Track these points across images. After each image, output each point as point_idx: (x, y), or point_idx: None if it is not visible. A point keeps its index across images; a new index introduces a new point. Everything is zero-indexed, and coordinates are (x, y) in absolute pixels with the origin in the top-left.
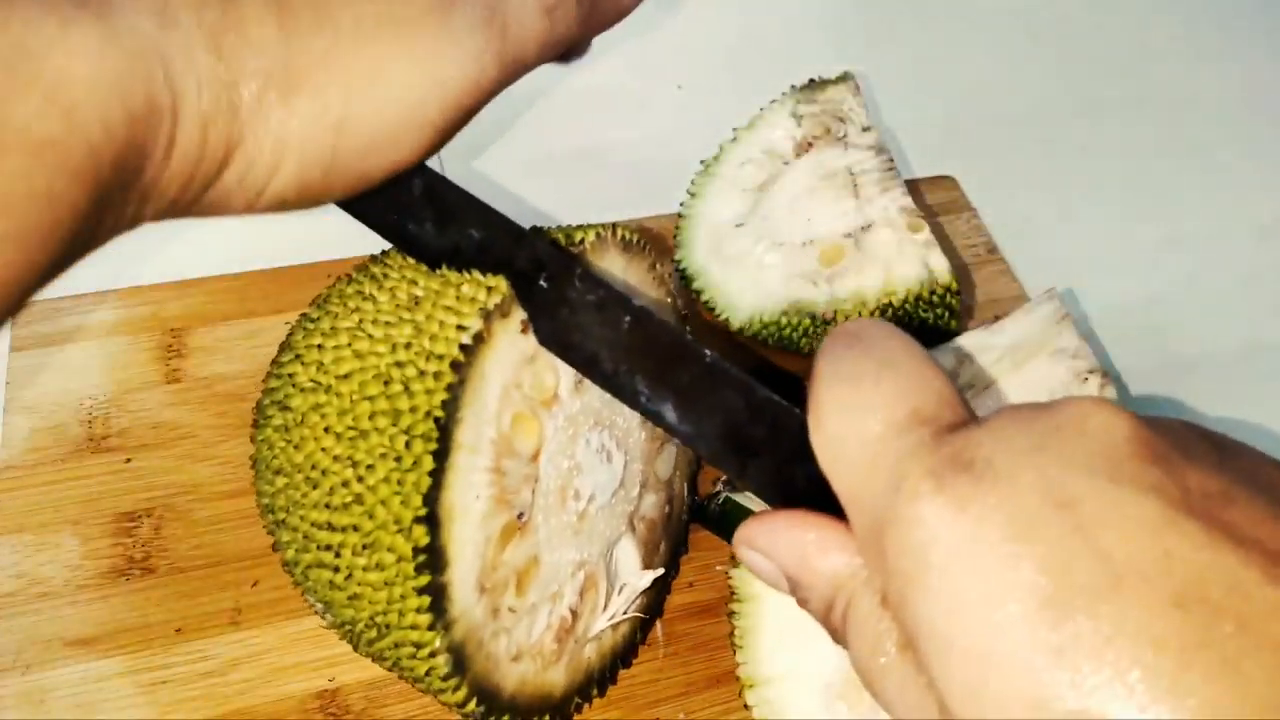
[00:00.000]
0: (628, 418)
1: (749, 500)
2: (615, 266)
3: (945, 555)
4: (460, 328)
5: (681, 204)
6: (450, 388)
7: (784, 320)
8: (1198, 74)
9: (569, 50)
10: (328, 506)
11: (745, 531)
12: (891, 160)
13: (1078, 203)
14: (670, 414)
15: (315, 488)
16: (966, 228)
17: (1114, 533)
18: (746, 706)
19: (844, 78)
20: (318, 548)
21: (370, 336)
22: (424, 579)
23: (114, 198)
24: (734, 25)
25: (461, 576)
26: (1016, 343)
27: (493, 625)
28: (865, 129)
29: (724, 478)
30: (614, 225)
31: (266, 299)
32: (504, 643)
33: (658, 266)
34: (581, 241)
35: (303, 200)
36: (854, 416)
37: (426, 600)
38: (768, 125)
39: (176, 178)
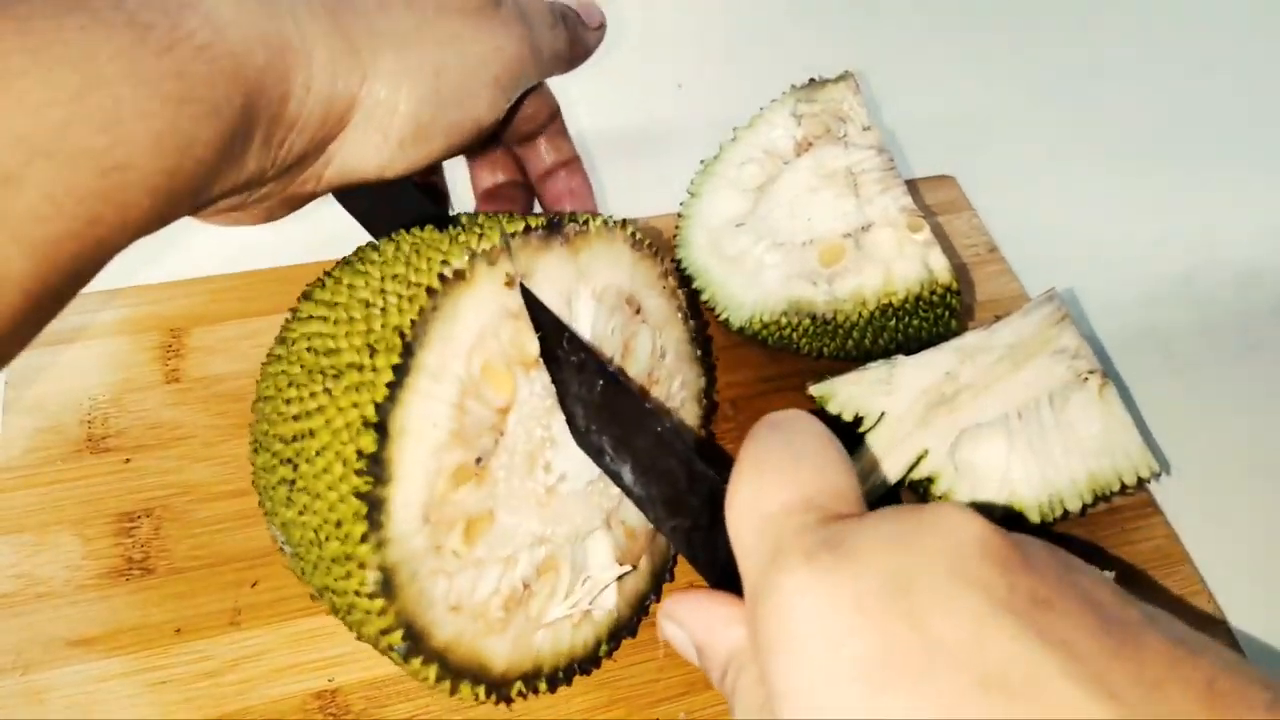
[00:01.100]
0: None
1: None
2: (621, 260)
3: (798, 620)
4: (444, 263)
5: (681, 203)
6: (421, 311)
7: (784, 320)
8: (1198, 75)
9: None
10: (294, 418)
11: (667, 605)
12: (891, 160)
13: (1078, 202)
14: (628, 476)
15: (288, 403)
16: (967, 227)
17: (940, 619)
18: None
19: (844, 77)
20: (280, 463)
21: (367, 274)
22: (364, 485)
23: (262, 117)
24: (734, 24)
25: (405, 497)
26: (1016, 343)
27: (433, 562)
28: (865, 128)
29: None
30: (624, 220)
31: (267, 299)
32: (443, 586)
33: (669, 277)
34: (586, 223)
35: (418, 145)
36: (758, 497)
37: (364, 509)
38: (768, 125)
39: (316, 111)
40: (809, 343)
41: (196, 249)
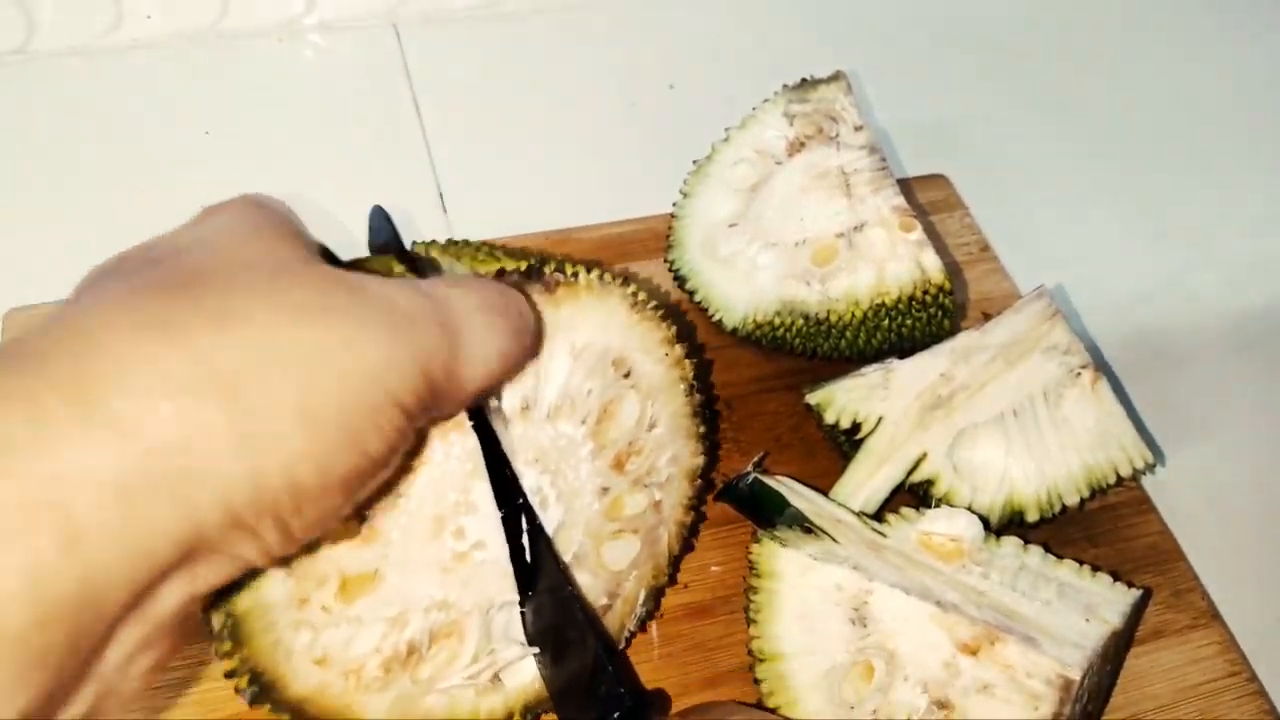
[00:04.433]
0: (581, 478)
1: (779, 483)
2: (614, 319)
3: None
4: None
5: (674, 204)
6: None
7: (777, 320)
8: (1188, 72)
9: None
10: None
11: None
12: (884, 159)
13: (1069, 201)
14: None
15: None
16: (959, 226)
17: None
18: (756, 681)
19: (836, 77)
20: None
21: None
22: None
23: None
24: (726, 25)
25: None
26: (1009, 341)
27: (295, 614)
28: (857, 128)
29: (755, 459)
30: (625, 278)
31: None
32: (306, 638)
33: (673, 345)
34: (576, 275)
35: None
36: None
37: None
38: (760, 125)
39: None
40: (802, 343)
41: None
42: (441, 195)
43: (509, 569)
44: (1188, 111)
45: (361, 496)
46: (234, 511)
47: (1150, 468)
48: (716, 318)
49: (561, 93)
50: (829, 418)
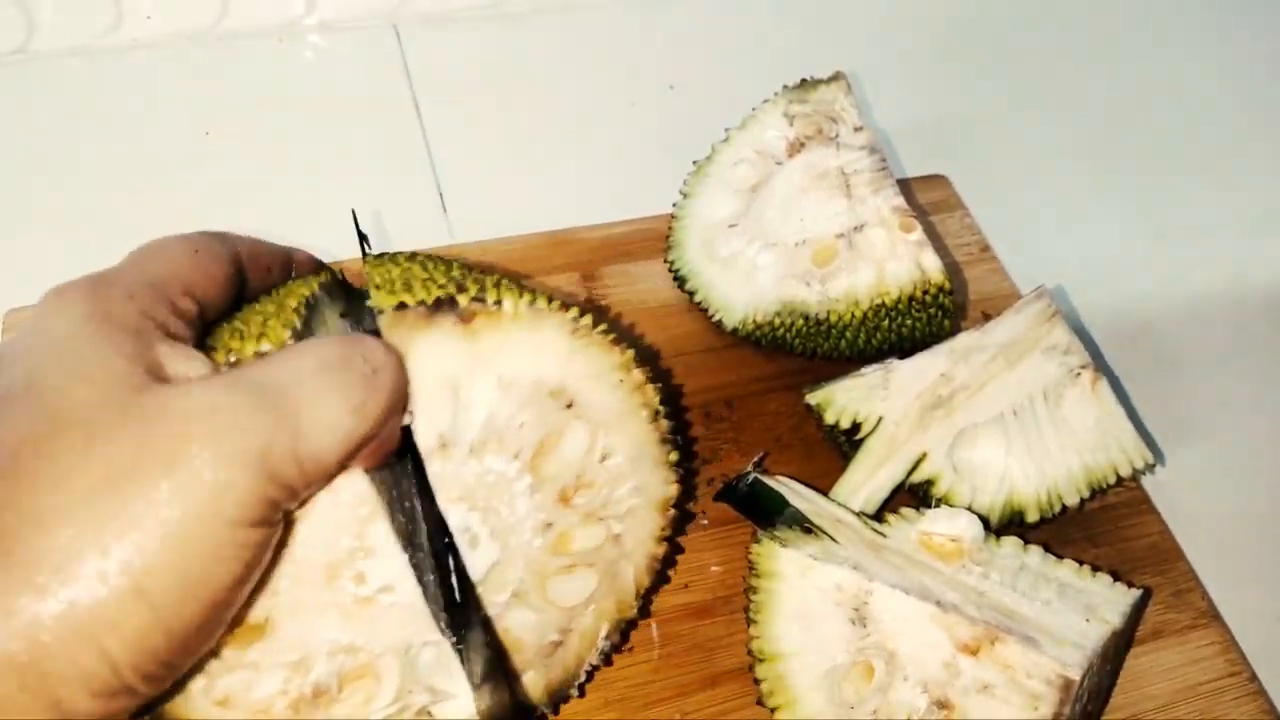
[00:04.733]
0: (518, 514)
1: (779, 483)
2: (550, 348)
3: None
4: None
5: (674, 204)
6: None
7: (777, 321)
8: (1188, 71)
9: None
10: None
11: None
12: (884, 160)
13: (1069, 201)
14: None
15: None
16: (959, 227)
17: None
18: (756, 681)
19: (836, 77)
20: None
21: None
22: None
23: None
24: (726, 25)
25: None
26: (1008, 341)
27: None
28: (857, 129)
29: (755, 459)
30: (565, 303)
31: None
32: (201, 684)
33: (631, 370)
34: (500, 302)
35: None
36: None
37: None
38: (760, 125)
39: None
40: (802, 343)
41: None
42: (441, 195)
43: (423, 609)
44: (1188, 111)
45: (238, 607)
46: (97, 691)
47: (1150, 468)
48: (716, 318)
49: (561, 93)
50: (829, 418)
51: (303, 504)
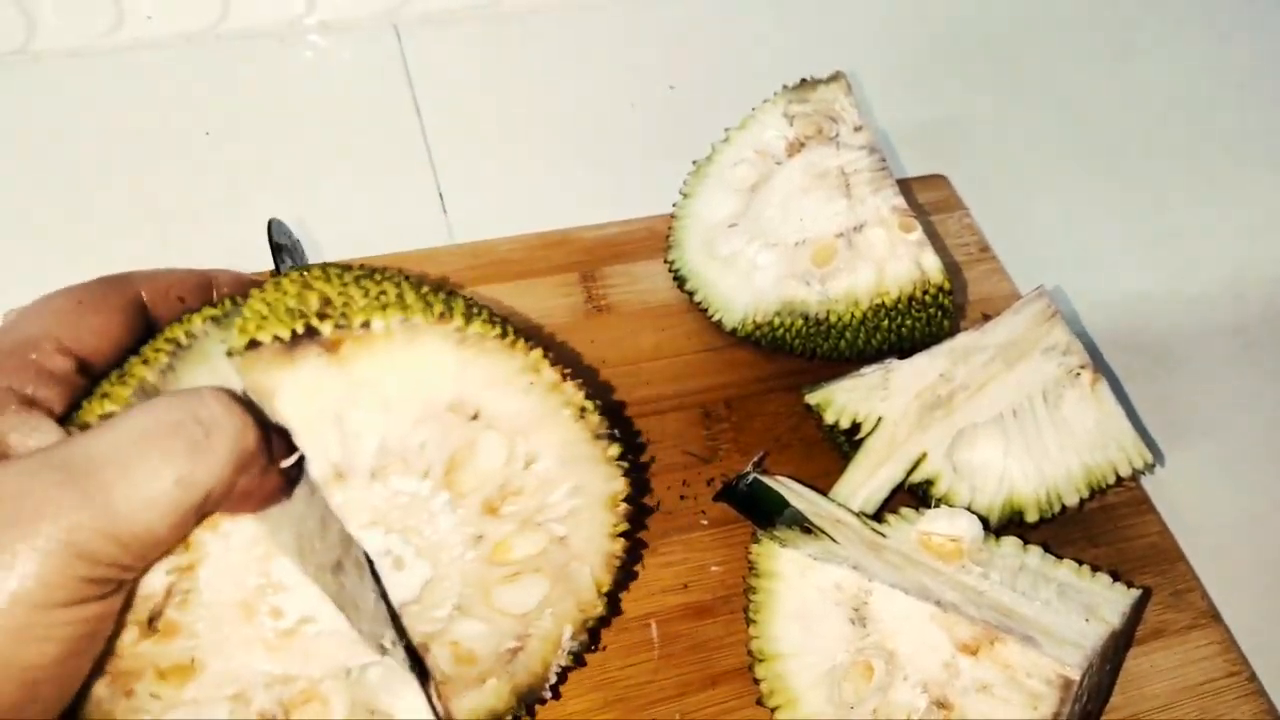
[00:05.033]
0: (442, 531)
1: (778, 483)
2: (436, 362)
3: None
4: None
5: (674, 204)
6: None
7: (777, 320)
8: (1187, 73)
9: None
10: None
11: None
12: (883, 160)
13: (1068, 201)
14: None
15: None
16: (958, 227)
17: None
18: (756, 681)
19: (835, 77)
20: None
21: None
22: None
23: None
24: (726, 25)
25: None
26: (1007, 342)
27: (124, 703)
28: (857, 128)
29: (755, 459)
30: (444, 309)
31: None
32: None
33: (541, 370)
34: (367, 324)
35: None
36: None
37: None
38: (760, 125)
39: None
40: (802, 343)
41: (185, 253)
42: (441, 196)
43: (350, 633)
44: (1187, 111)
45: (80, 677)
46: None
47: (1149, 467)
48: (716, 318)
49: (561, 93)
50: (828, 418)
51: (143, 572)
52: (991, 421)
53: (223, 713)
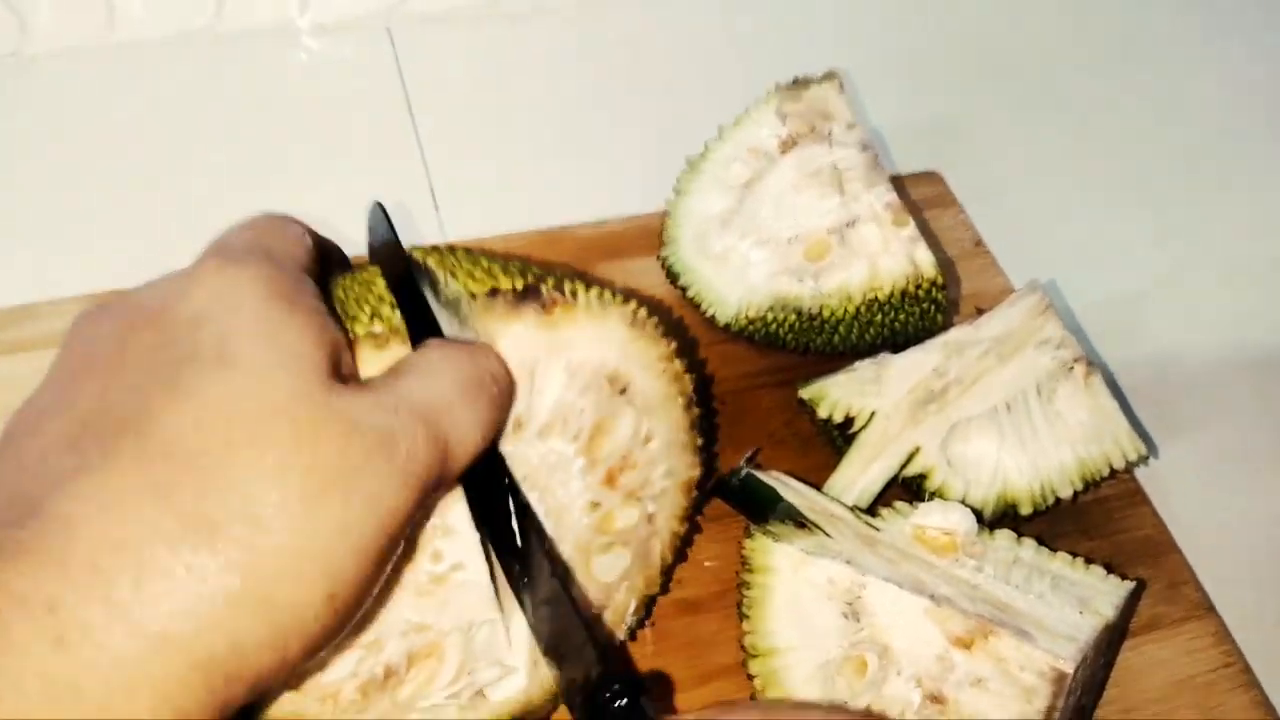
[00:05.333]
0: (571, 494)
1: (772, 478)
2: (612, 338)
3: None
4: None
5: (667, 201)
6: None
7: (770, 316)
8: (1182, 71)
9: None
10: None
11: None
12: (876, 157)
13: (1063, 198)
14: (527, 603)
15: None
16: (953, 223)
17: None
18: (750, 677)
19: (829, 75)
20: None
21: None
22: None
23: None
24: (719, 23)
25: None
26: (1001, 335)
27: None
28: (850, 126)
29: (748, 454)
30: (624, 294)
31: None
32: None
33: (673, 360)
34: (575, 294)
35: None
36: None
37: None
38: (753, 123)
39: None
40: (795, 338)
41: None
42: (434, 194)
43: (489, 588)
44: (1183, 109)
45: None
46: (263, 680)
47: (1144, 459)
48: (709, 313)
49: (554, 92)
50: (822, 412)
51: None
52: (985, 415)
53: (350, 663)
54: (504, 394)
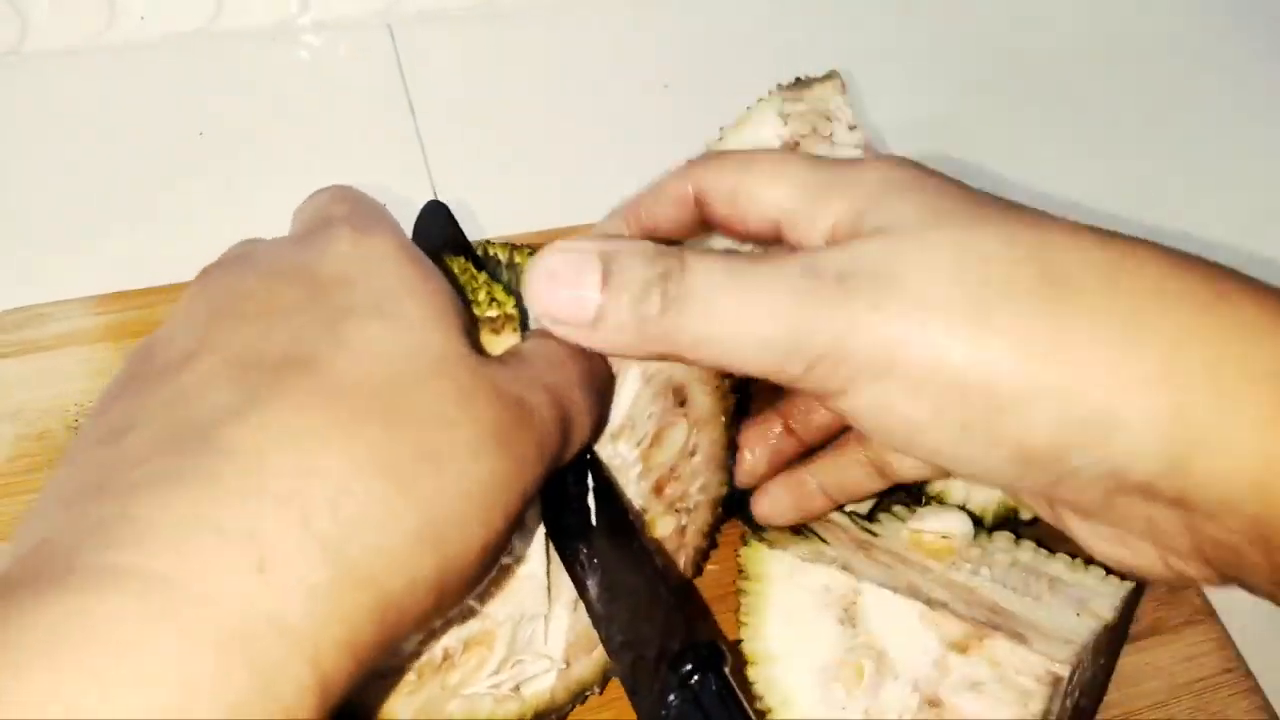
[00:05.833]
0: (627, 499)
1: None
2: None
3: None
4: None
5: None
6: None
7: None
8: (1183, 72)
9: None
10: None
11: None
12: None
13: (1063, 199)
14: (593, 589)
15: None
16: None
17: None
18: (748, 684)
19: (830, 76)
20: None
21: None
22: None
23: None
24: (720, 24)
25: None
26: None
27: None
28: (851, 127)
29: None
30: None
31: None
32: None
33: (724, 377)
34: None
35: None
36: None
37: None
38: (754, 124)
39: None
40: None
41: (182, 253)
42: (435, 192)
43: (544, 583)
44: (1184, 112)
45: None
46: (420, 625)
47: None
48: None
49: (555, 92)
50: None
51: None
52: None
53: (412, 642)
54: (609, 391)
